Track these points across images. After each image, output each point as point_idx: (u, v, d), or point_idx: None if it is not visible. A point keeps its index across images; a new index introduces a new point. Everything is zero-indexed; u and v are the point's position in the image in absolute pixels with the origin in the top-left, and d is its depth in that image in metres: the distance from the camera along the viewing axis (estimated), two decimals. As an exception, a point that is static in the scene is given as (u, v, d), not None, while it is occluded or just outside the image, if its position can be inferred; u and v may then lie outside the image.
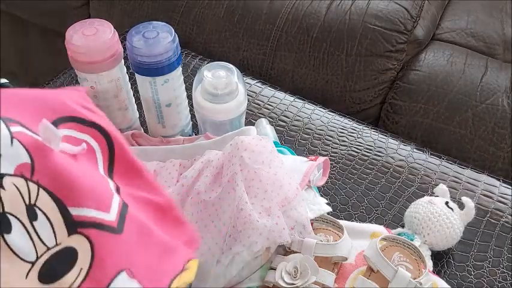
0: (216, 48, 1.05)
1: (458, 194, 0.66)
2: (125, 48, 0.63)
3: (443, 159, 0.71)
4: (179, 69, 0.64)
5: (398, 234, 0.57)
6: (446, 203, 0.59)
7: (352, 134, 0.74)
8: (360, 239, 0.57)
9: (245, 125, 0.67)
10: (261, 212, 0.52)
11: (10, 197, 0.29)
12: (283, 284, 0.51)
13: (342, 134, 0.74)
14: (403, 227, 0.60)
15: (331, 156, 0.71)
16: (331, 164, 0.67)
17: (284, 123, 0.76)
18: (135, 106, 0.70)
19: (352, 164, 0.70)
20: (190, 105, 0.70)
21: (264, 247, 0.51)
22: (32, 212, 0.30)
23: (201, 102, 0.64)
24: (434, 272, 0.57)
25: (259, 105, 0.78)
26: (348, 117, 0.77)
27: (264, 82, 0.82)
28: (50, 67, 1.34)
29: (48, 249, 0.31)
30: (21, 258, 0.30)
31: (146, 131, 0.71)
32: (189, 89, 0.68)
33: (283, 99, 0.79)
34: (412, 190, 0.67)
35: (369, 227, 0.59)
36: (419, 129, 0.96)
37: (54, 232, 0.31)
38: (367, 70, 0.97)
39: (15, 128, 0.31)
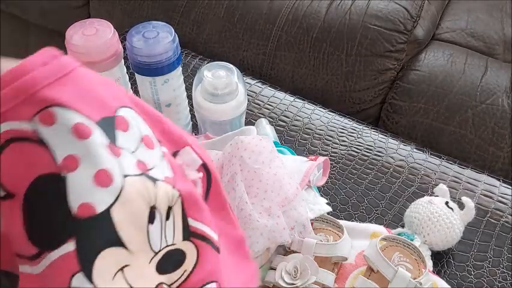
0: (216, 48, 1.05)
1: (458, 194, 0.66)
2: (124, 48, 0.63)
3: (443, 159, 0.71)
4: (179, 69, 0.64)
5: (399, 234, 0.57)
6: (446, 203, 0.59)
7: (352, 134, 0.74)
8: (360, 239, 0.57)
9: (245, 125, 0.67)
10: (261, 212, 0.52)
11: (161, 196, 0.36)
12: (283, 284, 0.51)
13: (342, 134, 0.74)
14: (403, 227, 0.60)
15: (331, 156, 0.71)
16: (331, 164, 0.67)
17: (284, 123, 0.76)
18: (135, 106, 0.70)
19: (352, 164, 0.70)
20: (190, 105, 0.70)
21: (265, 247, 0.51)
22: (168, 212, 0.37)
23: (201, 102, 0.64)
24: (434, 272, 0.57)
25: (259, 105, 0.78)
26: (348, 117, 0.77)
27: (264, 82, 0.82)
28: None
29: (167, 246, 0.37)
30: (151, 246, 0.36)
31: (146, 131, 0.71)
32: (189, 89, 0.68)
33: (283, 99, 0.79)
34: (412, 190, 0.67)
35: (368, 227, 0.59)
36: (419, 129, 0.95)
37: (174, 233, 0.37)
38: (367, 70, 0.97)
39: (162, 149, 0.39)
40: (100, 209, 0.33)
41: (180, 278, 0.37)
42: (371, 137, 0.74)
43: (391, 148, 0.72)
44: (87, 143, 0.33)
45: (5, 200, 0.33)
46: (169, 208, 0.37)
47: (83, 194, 0.33)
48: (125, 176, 0.34)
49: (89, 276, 0.33)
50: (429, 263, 0.55)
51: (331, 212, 0.60)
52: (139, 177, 0.35)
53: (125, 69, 0.65)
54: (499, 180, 0.69)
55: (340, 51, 0.98)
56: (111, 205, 0.33)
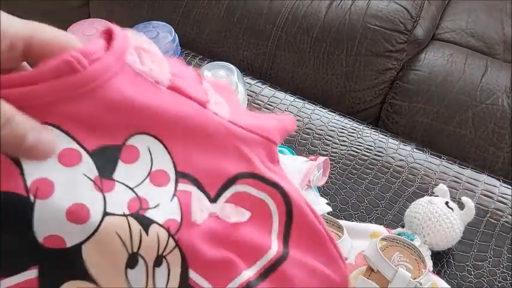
0: (216, 48, 1.05)
1: (458, 194, 0.66)
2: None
3: (443, 159, 0.71)
4: (179, 69, 0.64)
5: (399, 234, 0.57)
6: (446, 203, 0.59)
7: (352, 134, 0.74)
8: (360, 239, 0.57)
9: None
10: (261, 212, 0.52)
11: (149, 242, 0.32)
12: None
13: (342, 134, 0.74)
14: (403, 227, 0.60)
15: (331, 156, 0.71)
16: (331, 164, 0.67)
17: (284, 123, 0.75)
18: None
19: (352, 164, 0.70)
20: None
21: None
22: (159, 260, 0.33)
23: (201, 102, 0.64)
24: (434, 272, 0.57)
25: (259, 105, 0.78)
26: (348, 117, 0.77)
27: (264, 82, 0.82)
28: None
29: None
30: None
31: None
32: (189, 89, 0.68)
33: (283, 99, 0.79)
34: (412, 190, 0.67)
35: (368, 227, 0.59)
36: (419, 129, 0.96)
37: (167, 284, 0.33)
38: (367, 70, 0.97)
39: (182, 186, 0.34)
40: (70, 243, 0.30)
41: None
42: (371, 137, 0.74)
43: (391, 148, 0.72)
44: (69, 171, 0.30)
45: None
46: (161, 256, 0.33)
47: (51, 225, 0.29)
48: (106, 214, 0.30)
49: None
50: (429, 263, 0.55)
51: (331, 212, 0.60)
52: (123, 218, 0.31)
53: (125, 69, 0.65)
54: (499, 180, 0.68)
55: (340, 51, 0.98)
56: (83, 242, 0.30)
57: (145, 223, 0.32)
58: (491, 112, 0.91)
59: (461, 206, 0.59)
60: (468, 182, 0.68)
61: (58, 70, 0.29)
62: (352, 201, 0.66)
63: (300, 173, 0.57)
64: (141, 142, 0.33)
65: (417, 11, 1.01)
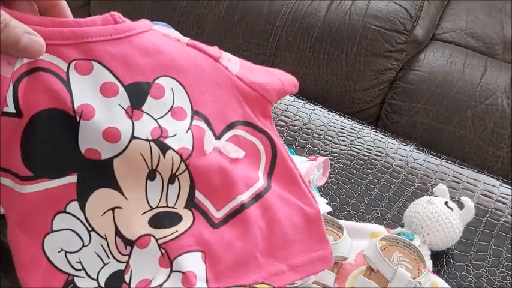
0: (216, 48, 1.05)
1: (458, 193, 0.66)
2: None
3: (442, 159, 0.71)
4: (179, 69, 0.64)
5: (398, 234, 0.57)
6: (446, 202, 0.59)
7: (352, 134, 0.74)
8: (360, 239, 0.57)
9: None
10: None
11: (165, 163, 0.39)
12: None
13: (342, 134, 0.74)
14: (402, 226, 0.60)
15: (331, 156, 0.71)
16: (331, 164, 0.67)
17: (284, 123, 0.76)
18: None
19: (352, 164, 0.70)
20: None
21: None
22: (172, 178, 0.40)
23: (201, 102, 0.64)
24: (434, 272, 0.57)
25: (259, 105, 0.78)
26: (347, 117, 0.77)
27: (264, 82, 0.82)
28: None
29: (166, 207, 0.40)
30: (147, 200, 0.39)
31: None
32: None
33: (283, 99, 0.79)
34: (412, 190, 0.67)
35: (368, 226, 0.59)
36: (419, 129, 0.96)
37: (177, 199, 0.40)
38: (367, 70, 0.97)
39: (196, 122, 0.41)
40: (104, 156, 0.37)
41: (169, 235, 0.39)
42: (371, 137, 0.74)
43: (391, 148, 0.72)
44: (107, 101, 0.37)
45: (13, 117, 0.36)
46: (174, 175, 0.40)
47: (91, 141, 0.37)
48: (134, 137, 0.38)
49: (82, 206, 0.38)
50: (429, 263, 0.56)
51: (331, 211, 0.60)
52: (147, 142, 0.38)
53: (125, 69, 0.65)
54: (498, 180, 0.69)
55: (340, 51, 0.98)
56: (115, 156, 0.37)
57: (164, 148, 0.39)
58: (491, 112, 0.91)
59: (461, 205, 0.59)
60: (468, 182, 0.68)
61: (106, 20, 0.39)
62: (352, 201, 0.66)
63: (300, 173, 0.58)
64: (166, 82, 0.40)
65: (417, 11, 1.01)
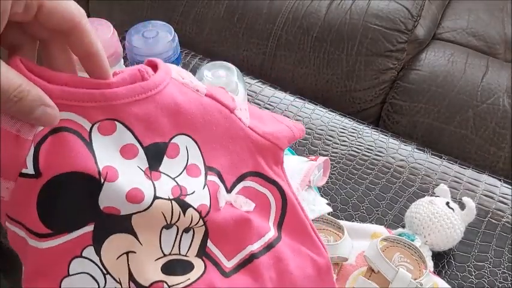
0: (216, 48, 1.05)
1: (459, 194, 0.66)
2: (124, 48, 0.63)
3: (444, 159, 0.71)
4: (179, 68, 0.64)
5: (399, 235, 0.56)
6: (447, 203, 0.58)
7: (352, 134, 0.74)
8: (361, 240, 0.56)
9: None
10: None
11: (185, 220, 0.40)
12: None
13: (343, 134, 0.74)
14: (403, 227, 0.60)
15: (331, 156, 0.71)
16: (331, 164, 0.67)
17: (284, 123, 0.75)
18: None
19: (352, 164, 0.70)
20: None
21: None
22: (188, 228, 0.41)
23: (201, 102, 0.63)
24: (435, 273, 0.56)
25: (259, 105, 0.78)
26: (348, 117, 0.77)
27: (264, 82, 0.82)
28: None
29: (179, 254, 0.41)
30: (161, 247, 0.40)
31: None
32: (188, 88, 0.68)
33: (283, 99, 0.79)
34: (413, 190, 0.67)
35: (369, 227, 0.59)
36: (420, 129, 0.95)
37: (189, 247, 0.41)
38: (368, 70, 0.97)
39: (210, 177, 0.43)
40: (124, 213, 0.38)
41: (181, 283, 0.40)
42: (371, 137, 0.74)
43: (392, 148, 0.72)
44: (128, 163, 0.38)
45: (31, 178, 0.36)
46: (190, 226, 0.41)
47: (113, 201, 0.37)
48: (156, 198, 0.38)
49: (97, 250, 0.38)
50: (430, 264, 0.55)
51: (331, 212, 0.59)
52: (169, 201, 0.39)
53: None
54: (500, 180, 0.68)
55: (340, 50, 0.97)
56: (134, 213, 0.38)
57: (184, 206, 0.40)
58: (492, 112, 0.91)
59: (462, 206, 0.59)
60: (469, 182, 0.68)
61: (134, 77, 0.39)
62: (353, 201, 0.65)
63: (300, 173, 0.57)
64: (181, 141, 0.41)
65: (418, 11, 1.01)
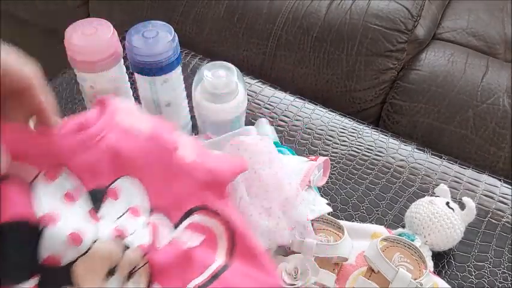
0: (216, 48, 1.04)
1: (459, 194, 0.66)
2: (124, 48, 0.63)
3: (444, 159, 0.71)
4: (179, 69, 0.64)
5: (399, 235, 0.56)
6: (447, 203, 0.58)
7: (352, 134, 0.74)
8: (361, 240, 0.56)
9: (245, 125, 0.67)
10: (261, 212, 0.52)
11: (125, 261, 0.42)
12: (284, 285, 0.51)
13: (343, 134, 0.74)
14: (403, 227, 0.60)
15: (331, 156, 0.71)
16: (331, 164, 0.67)
17: (284, 123, 0.75)
18: (135, 106, 0.70)
19: (352, 164, 0.70)
20: (190, 105, 0.69)
21: (265, 248, 0.51)
22: (132, 273, 0.42)
23: (201, 102, 0.63)
24: (435, 273, 0.56)
25: (259, 105, 0.78)
26: (348, 117, 0.77)
27: (264, 82, 0.82)
28: (50, 67, 1.34)
29: None
30: None
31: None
32: (188, 88, 0.68)
33: (283, 99, 0.79)
34: (413, 190, 0.67)
35: (369, 227, 0.59)
36: (420, 129, 0.95)
37: None
38: (368, 70, 0.97)
39: (154, 217, 0.45)
40: (64, 262, 0.39)
41: None
42: (371, 137, 0.73)
43: (392, 148, 0.72)
44: (72, 206, 0.41)
45: None
46: (133, 272, 0.43)
47: (53, 247, 0.38)
48: (95, 240, 0.40)
49: None
50: (430, 264, 0.55)
51: (331, 212, 0.59)
52: (108, 242, 0.41)
53: (124, 69, 0.65)
54: (500, 180, 0.68)
55: (340, 50, 0.97)
56: (75, 260, 0.39)
57: (124, 246, 0.42)
58: (492, 112, 0.91)
59: (462, 206, 0.59)
60: (469, 182, 0.68)
61: (80, 126, 0.43)
62: (353, 201, 0.65)
63: (300, 173, 0.57)
64: (124, 183, 0.44)
65: (418, 11, 1.01)
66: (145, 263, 0.43)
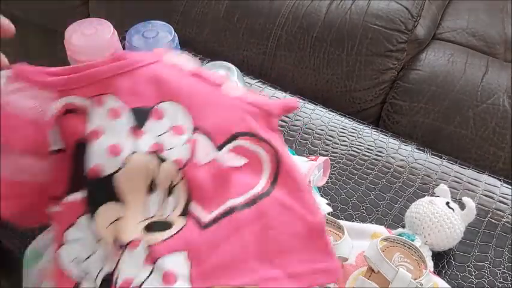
0: (216, 48, 1.04)
1: (459, 194, 0.66)
2: (124, 48, 0.63)
3: (444, 159, 0.71)
4: (179, 69, 0.64)
5: (399, 235, 0.56)
6: (447, 203, 0.58)
7: (352, 134, 0.74)
8: (361, 240, 0.56)
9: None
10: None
11: (162, 174, 0.44)
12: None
13: (343, 134, 0.74)
14: (403, 227, 0.60)
15: (331, 156, 0.71)
16: (331, 164, 0.67)
17: (284, 123, 0.75)
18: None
19: (352, 164, 0.70)
20: (190, 105, 0.69)
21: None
22: (171, 189, 0.44)
23: (201, 102, 0.63)
24: (435, 273, 0.56)
25: (259, 105, 0.78)
26: (348, 117, 0.77)
27: (264, 82, 0.82)
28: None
29: (162, 215, 0.44)
30: (146, 211, 0.43)
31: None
32: (188, 88, 0.68)
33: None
34: (413, 190, 0.67)
35: (369, 227, 0.59)
36: (420, 129, 0.95)
37: (173, 209, 0.44)
38: (368, 70, 0.97)
39: (195, 136, 0.46)
40: (106, 173, 0.43)
41: (158, 239, 0.42)
42: (371, 137, 0.73)
43: (392, 148, 0.72)
44: (113, 122, 0.44)
45: (58, 153, 0.44)
46: (173, 186, 0.44)
47: (95, 158, 0.43)
48: (133, 152, 0.43)
49: (91, 219, 0.43)
50: (430, 264, 0.55)
51: (331, 212, 0.59)
52: (145, 155, 0.44)
53: (125, 69, 0.65)
54: (500, 180, 0.68)
55: (340, 50, 0.97)
56: (116, 172, 0.43)
57: (161, 159, 0.44)
58: (492, 112, 0.91)
59: (462, 206, 0.59)
60: (469, 182, 0.68)
61: (112, 59, 0.47)
62: (353, 201, 0.65)
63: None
64: (168, 106, 0.46)
65: (418, 11, 1.01)
66: (182, 178, 0.44)
